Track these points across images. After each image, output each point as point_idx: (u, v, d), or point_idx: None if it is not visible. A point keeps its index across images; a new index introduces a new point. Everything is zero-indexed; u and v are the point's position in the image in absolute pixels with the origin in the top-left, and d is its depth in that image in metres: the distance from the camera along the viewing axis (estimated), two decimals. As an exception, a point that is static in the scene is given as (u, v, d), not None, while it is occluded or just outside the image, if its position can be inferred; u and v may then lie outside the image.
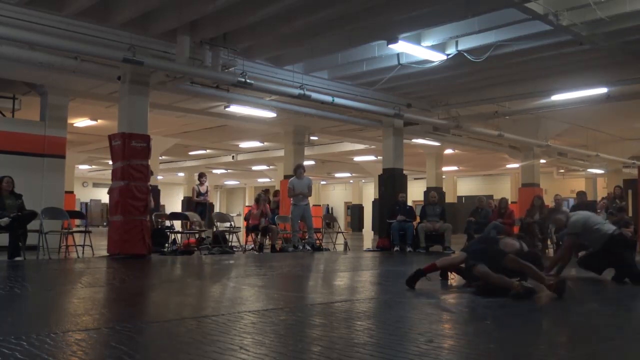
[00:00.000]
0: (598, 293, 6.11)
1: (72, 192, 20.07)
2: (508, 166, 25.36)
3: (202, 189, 13.65)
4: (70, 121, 13.42)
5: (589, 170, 23.96)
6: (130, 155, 9.28)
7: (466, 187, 31.19)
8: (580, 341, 3.51)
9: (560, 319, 4.43)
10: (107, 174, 13.98)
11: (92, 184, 35.33)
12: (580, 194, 11.83)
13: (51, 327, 3.50)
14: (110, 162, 9.85)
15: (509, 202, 13.93)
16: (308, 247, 11.84)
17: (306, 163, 16.24)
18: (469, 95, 13.11)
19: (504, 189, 28.00)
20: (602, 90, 11.58)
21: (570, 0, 7.95)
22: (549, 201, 14.12)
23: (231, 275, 7.31)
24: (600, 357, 3.16)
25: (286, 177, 16.54)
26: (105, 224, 28.95)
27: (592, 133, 17.77)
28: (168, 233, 11.17)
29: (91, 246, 9.44)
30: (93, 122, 15.85)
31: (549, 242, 12.23)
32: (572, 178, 27.95)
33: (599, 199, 17.83)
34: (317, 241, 12.28)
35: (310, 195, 12.12)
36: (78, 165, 25.72)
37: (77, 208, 25.58)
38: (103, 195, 31.21)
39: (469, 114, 14.41)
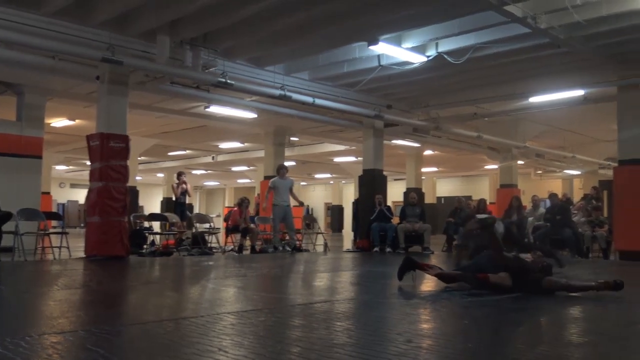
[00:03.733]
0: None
1: (48, 193, 19.74)
2: (486, 167, 25.60)
3: (182, 188, 13.43)
4: (47, 121, 13.21)
5: (565, 171, 24.31)
6: (109, 155, 9.19)
7: (445, 187, 31.39)
8: (557, 339, 3.56)
9: (537, 318, 4.48)
10: (85, 174, 13.79)
11: (69, 184, 34.84)
12: (552, 196, 12.08)
13: (26, 330, 3.44)
14: (88, 163, 9.74)
15: (488, 203, 14.07)
16: (288, 248, 11.82)
17: (286, 164, 16.21)
18: (448, 96, 13.21)
19: (483, 190, 28.22)
20: (579, 92, 11.76)
21: (549, 3, 8.05)
22: (526, 202, 14.28)
23: (210, 276, 7.27)
24: (576, 354, 3.20)
25: (266, 177, 16.50)
26: (82, 225, 28.58)
27: (569, 135, 18.00)
28: (146, 234, 11.08)
29: (68, 248, 9.33)
30: (71, 122, 15.64)
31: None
32: (550, 179, 28.30)
33: (575, 199, 18.04)
34: (298, 242, 12.26)
35: (295, 198, 12.00)
36: (55, 166, 25.36)
37: (54, 209, 25.23)
38: (80, 196, 30.81)
39: (449, 115, 14.52)
